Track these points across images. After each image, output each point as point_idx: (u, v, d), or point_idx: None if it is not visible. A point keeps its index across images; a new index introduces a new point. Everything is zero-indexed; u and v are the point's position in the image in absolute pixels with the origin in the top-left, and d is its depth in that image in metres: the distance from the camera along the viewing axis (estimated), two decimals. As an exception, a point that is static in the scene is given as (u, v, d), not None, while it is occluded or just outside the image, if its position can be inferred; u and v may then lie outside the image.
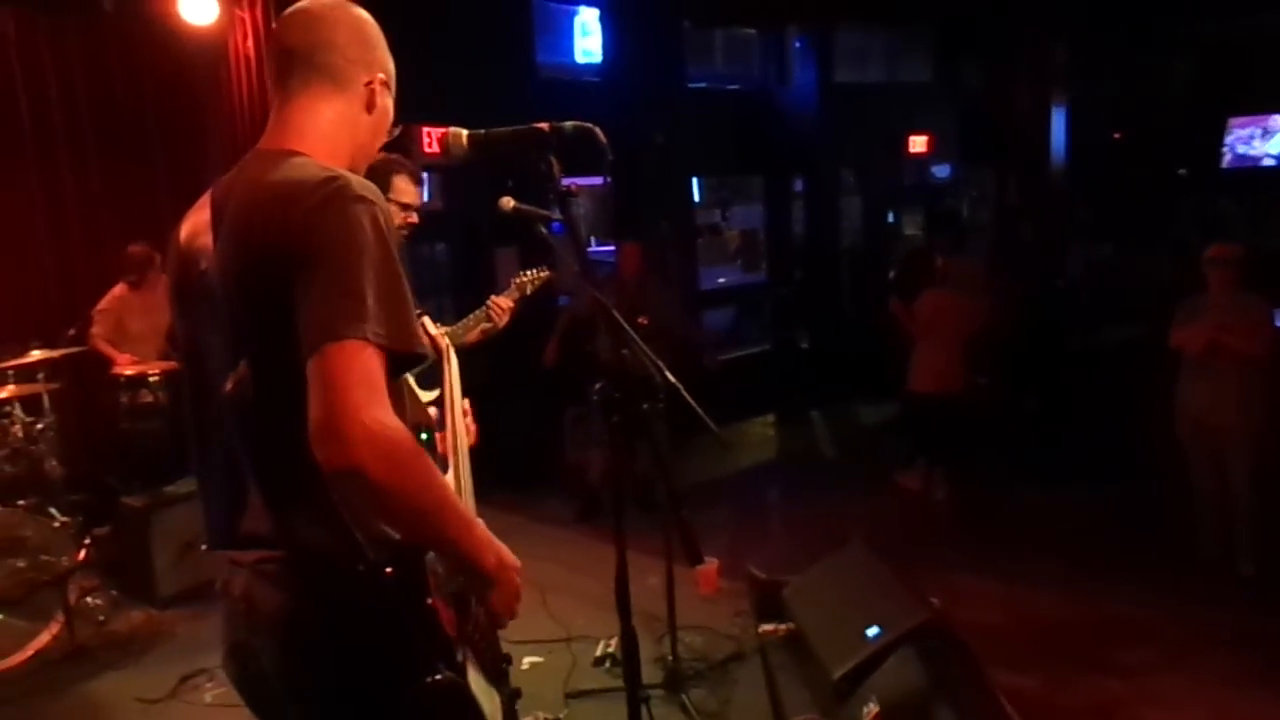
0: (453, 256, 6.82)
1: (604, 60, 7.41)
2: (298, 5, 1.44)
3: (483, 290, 6.26)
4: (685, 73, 7.86)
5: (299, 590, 1.30)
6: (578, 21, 7.98)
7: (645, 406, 1.63)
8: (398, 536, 1.28)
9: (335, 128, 1.41)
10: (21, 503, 4.08)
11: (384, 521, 1.25)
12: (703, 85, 8.42)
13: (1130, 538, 5.00)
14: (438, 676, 1.30)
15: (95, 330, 5.18)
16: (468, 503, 1.79)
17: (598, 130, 1.57)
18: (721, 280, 11.31)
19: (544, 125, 1.57)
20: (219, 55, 5.82)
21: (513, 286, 3.15)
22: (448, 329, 2.86)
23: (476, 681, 1.41)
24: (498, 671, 1.51)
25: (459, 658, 1.38)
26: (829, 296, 9.09)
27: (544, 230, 2.33)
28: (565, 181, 1.60)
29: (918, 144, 9.43)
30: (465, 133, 1.61)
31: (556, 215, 2.53)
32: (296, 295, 1.19)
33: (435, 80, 5.26)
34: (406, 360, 1.24)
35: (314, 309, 1.17)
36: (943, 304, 5.75)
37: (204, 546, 1.46)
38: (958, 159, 10.48)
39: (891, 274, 9.24)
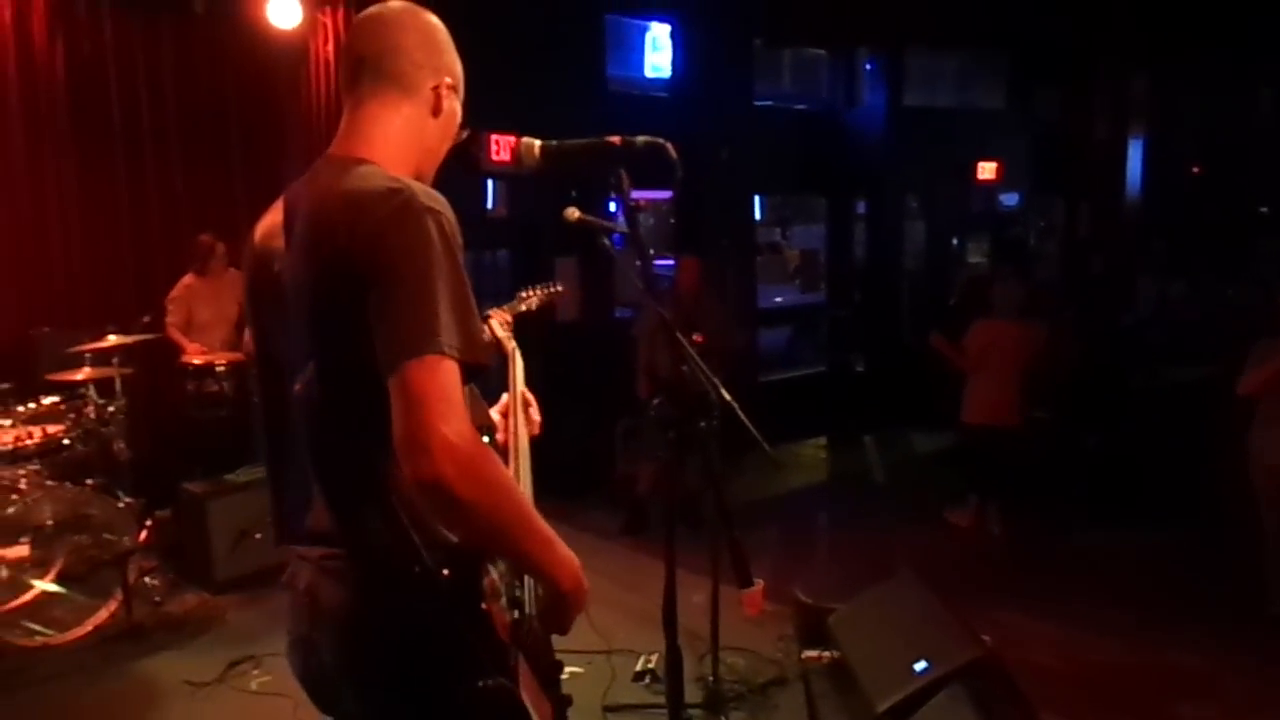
0: (513, 263, 6.91)
1: (673, 75, 7.45)
2: (368, 11, 1.46)
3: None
4: (753, 91, 7.86)
5: (361, 588, 1.33)
6: (648, 36, 8.05)
7: (702, 425, 1.62)
8: (455, 540, 1.30)
9: (403, 134, 1.43)
10: (89, 482, 4.21)
11: (464, 533, 1.27)
12: (770, 104, 8.41)
13: (1195, 586, 4.81)
14: (488, 681, 1.32)
15: (170, 319, 5.36)
16: None
17: (668, 146, 1.57)
18: (779, 299, 11.28)
19: (615, 138, 1.57)
20: (300, 58, 6.00)
21: (516, 300, 3.13)
22: None
23: (529, 687, 1.41)
24: (550, 678, 1.51)
25: (511, 662, 1.39)
26: (887, 321, 8.98)
27: (606, 242, 2.35)
28: (633, 195, 1.60)
29: (986, 170, 9.29)
30: (538, 143, 1.62)
31: (619, 227, 2.55)
32: (371, 308, 1.21)
33: (506, 90, 5.35)
34: (475, 370, 1.27)
35: (392, 325, 1.20)
36: (995, 333, 5.61)
37: (258, 536, 1.49)
38: (1027, 187, 10.29)
39: (951, 301, 9.11)
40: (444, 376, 1.19)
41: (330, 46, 5.84)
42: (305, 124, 6.01)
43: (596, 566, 5.04)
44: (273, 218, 1.43)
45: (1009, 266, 7.95)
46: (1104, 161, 10.06)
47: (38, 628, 3.97)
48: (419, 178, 1.41)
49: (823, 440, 8.11)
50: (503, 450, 1.83)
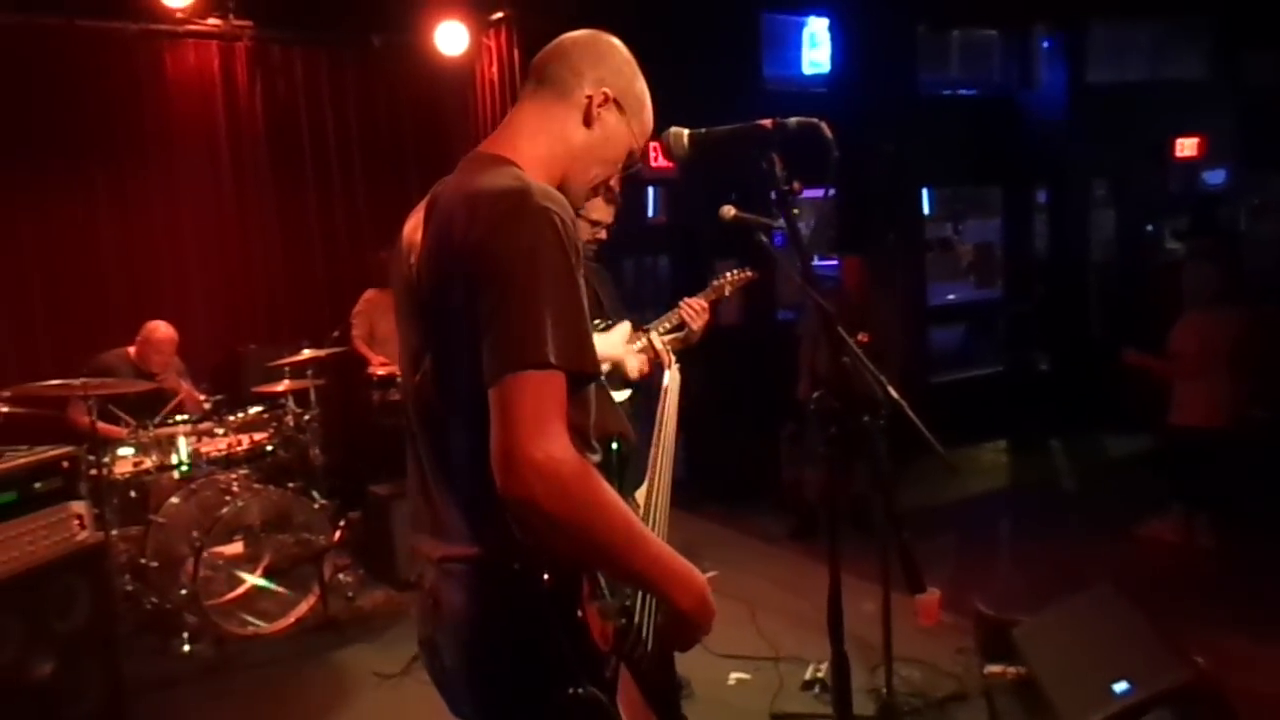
0: (673, 269, 6.94)
1: (832, 70, 7.26)
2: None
3: (702, 302, 6.20)
4: (918, 79, 7.54)
5: (475, 590, 1.33)
6: (805, 33, 7.89)
7: (866, 419, 1.53)
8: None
9: (548, 137, 1.43)
10: (290, 485, 4.57)
11: (560, 550, 1.24)
12: (937, 92, 8.04)
13: None
14: (579, 690, 1.28)
15: (355, 333, 5.75)
16: (660, 522, 1.75)
17: (823, 125, 1.50)
18: (951, 296, 10.75)
19: (767, 121, 1.52)
20: (467, 81, 6.30)
21: (709, 288, 2.93)
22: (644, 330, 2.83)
23: (630, 700, 1.36)
24: (663, 695, 1.45)
25: (608, 672, 1.34)
26: (1074, 316, 8.34)
27: (764, 239, 2.29)
28: (787, 184, 1.54)
29: (1186, 147, 8.46)
30: (686, 131, 1.60)
31: (778, 225, 2.47)
32: (479, 310, 1.21)
33: (662, 93, 5.36)
34: (583, 379, 1.25)
35: (497, 334, 1.19)
36: (1202, 326, 5.04)
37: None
38: (1236, 163, 9.29)
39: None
40: (543, 392, 1.17)
41: (495, 69, 6.09)
42: (473, 143, 6.27)
43: (763, 572, 4.96)
44: (418, 213, 1.46)
45: (1203, 244, 7.16)
46: (1331, 130, 8.94)
47: (250, 618, 4.34)
48: (563, 186, 1.40)
49: (1002, 444, 7.63)
50: (639, 469, 1.79)
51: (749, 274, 2.92)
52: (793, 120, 1.51)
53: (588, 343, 1.24)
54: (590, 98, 1.43)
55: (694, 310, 2.74)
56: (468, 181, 1.33)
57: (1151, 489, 5.56)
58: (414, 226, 1.45)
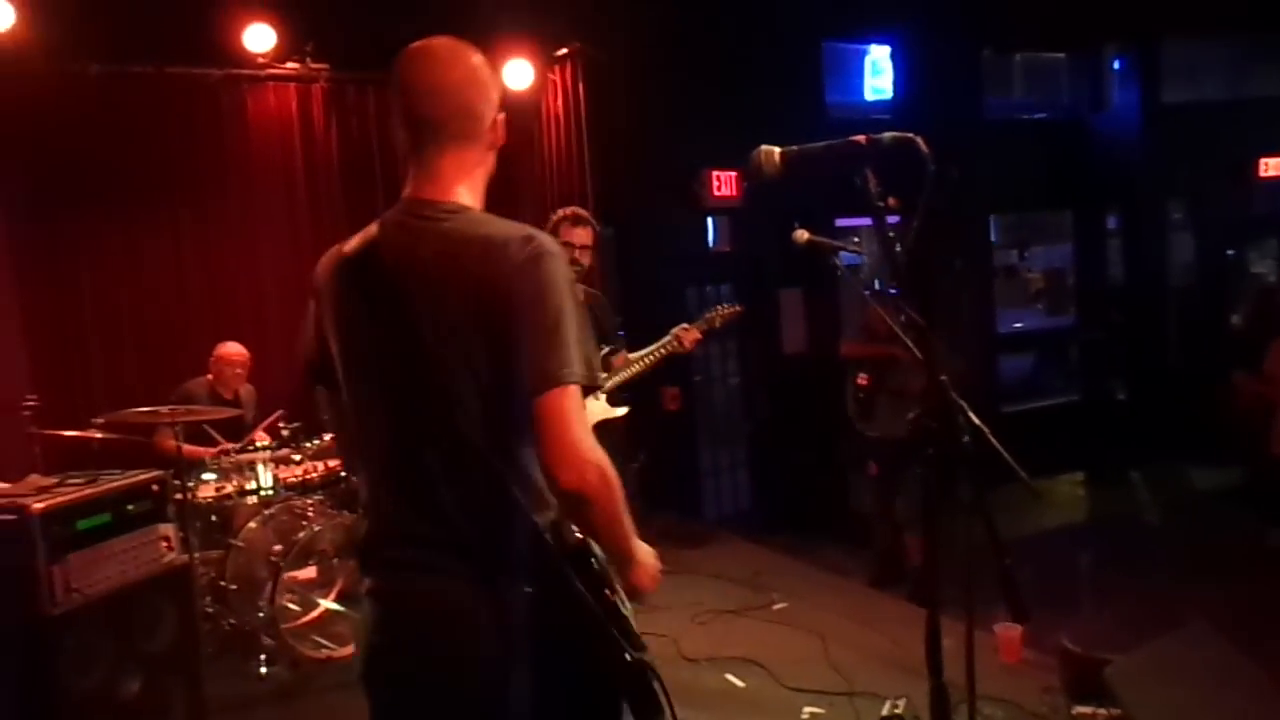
0: (738, 296, 6.91)
1: (895, 96, 7.24)
2: (417, 68, 1.53)
3: (767, 329, 6.21)
4: (983, 104, 7.46)
5: (485, 584, 1.46)
6: (868, 61, 7.88)
7: (965, 439, 1.49)
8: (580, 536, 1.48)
9: (479, 177, 1.59)
10: (361, 512, 4.62)
11: (592, 529, 1.47)
12: (1004, 115, 7.94)
13: None
14: (633, 656, 1.46)
15: None
16: None
17: (919, 140, 1.48)
18: (1019, 324, 10.52)
19: (860, 138, 1.51)
20: (532, 116, 6.40)
21: (702, 320, 3.26)
22: (634, 355, 3.33)
23: None
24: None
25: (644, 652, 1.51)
26: (1152, 343, 8.08)
27: (836, 260, 2.27)
28: (882, 200, 1.52)
29: (1271, 167, 8.18)
30: (778, 150, 1.60)
31: (849, 246, 2.45)
32: (514, 336, 1.42)
33: (725, 126, 5.40)
34: (590, 391, 1.52)
35: (535, 357, 1.40)
36: None
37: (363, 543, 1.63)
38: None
39: (1235, 319, 8.05)
40: (580, 402, 1.41)
41: (559, 103, 6.18)
42: (538, 176, 6.38)
43: (833, 604, 4.82)
44: (370, 242, 1.56)
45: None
46: None
47: (323, 641, 4.38)
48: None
49: (1079, 476, 7.40)
50: None
51: (738, 309, 3.25)
52: (887, 136, 1.50)
53: (596, 361, 1.48)
54: (494, 125, 1.58)
55: (690, 338, 3.10)
56: (469, 231, 1.48)
57: (1240, 522, 5.32)
58: (369, 254, 1.55)
